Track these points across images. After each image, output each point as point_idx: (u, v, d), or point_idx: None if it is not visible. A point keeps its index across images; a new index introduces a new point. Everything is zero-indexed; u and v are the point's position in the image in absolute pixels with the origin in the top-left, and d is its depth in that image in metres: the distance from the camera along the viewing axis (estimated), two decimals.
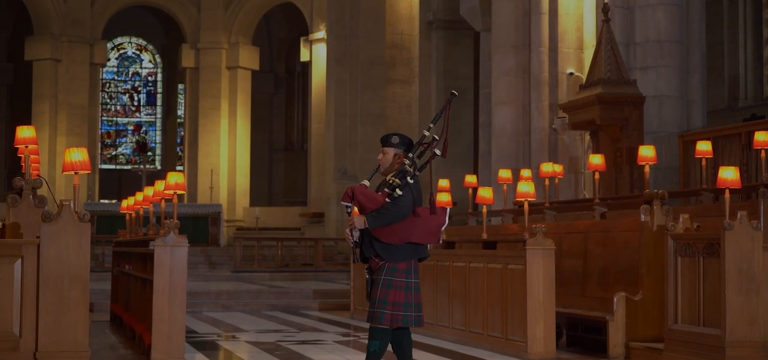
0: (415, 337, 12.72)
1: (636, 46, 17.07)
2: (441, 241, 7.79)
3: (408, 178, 7.40)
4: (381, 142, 7.69)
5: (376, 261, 7.51)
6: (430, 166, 7.57)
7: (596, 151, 16.41)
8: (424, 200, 7.58)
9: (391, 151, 7.59)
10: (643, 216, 10.96)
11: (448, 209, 7.79)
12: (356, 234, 7.47)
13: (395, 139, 7.61)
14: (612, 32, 16.65)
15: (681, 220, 10.19)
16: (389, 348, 7.63)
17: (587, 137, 18.10)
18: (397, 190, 7.37)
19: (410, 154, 7.50)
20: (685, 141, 16.13)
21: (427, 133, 7.52)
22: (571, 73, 18.77)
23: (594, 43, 17.72)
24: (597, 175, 14.11)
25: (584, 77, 17.70)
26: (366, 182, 7.63)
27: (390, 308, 7.42)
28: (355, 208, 7.47)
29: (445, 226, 7.59)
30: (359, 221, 7.43)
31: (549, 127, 18.84)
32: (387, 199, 7.40)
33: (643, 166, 13.68)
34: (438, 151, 7.44)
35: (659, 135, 16.50)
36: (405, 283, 7.48)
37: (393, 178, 7.45)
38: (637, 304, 10.77)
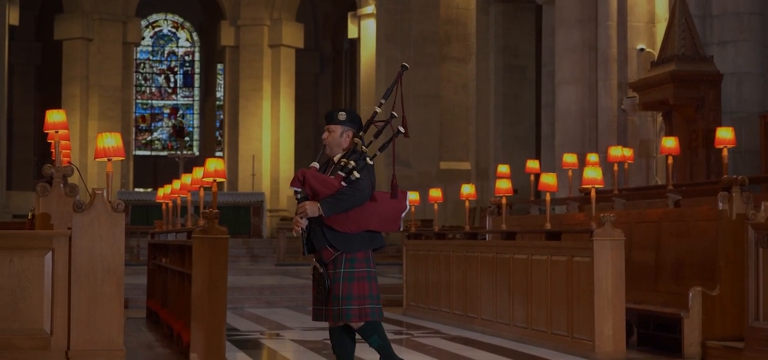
0: (473, 335, 12.73)
1: (713, 19, 16.91)
2: (401, 229, 7.61)
3: (367, 159, 7.21)
4: (325, 119, 7.44)
5: (329, 251, 7.27)
6: (394, 145, 7.33)
7: (669, 133, 16.28)
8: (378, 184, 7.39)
9: (338, 129, 7.36)
10: (721, 204, 10.86)
11: (408, 193, 7.52)
12: (305, 222, 7.24)
13: (342, 116, 7.37)
14: (686, 4, 16.51)
15: (763, 207, 10.08)
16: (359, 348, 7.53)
17: (659, 118, 17.98)
18: (355, 172, 7.16)
19: (361, 133, 7.32)
20: (766, 121, 15.96)
21: (378, 110, 7.33)
22: (642, 49, 18.64)
23: (666, 16, 17.58)
24: (670, 160, 14.00)
25: (656, 53, 17.57)
26: (315, 164, 7.41)
27: (357, 303, 7.25)
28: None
29: (405, 211, 7.40)
30: (313, 208, 7.18)
31: (618, 107, 18.73)
32: (343, 183, 7.18)
33: (720, 150, 13.55)
34: (402, 129, 7.24)
35: (738, 115, 16.35)
36: (366, 272, 7.29)
37: (346, 159, 7.25)
38: (715, 299, 10.69)
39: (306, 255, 7.50)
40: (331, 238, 7.24)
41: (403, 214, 7.41)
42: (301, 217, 7.23)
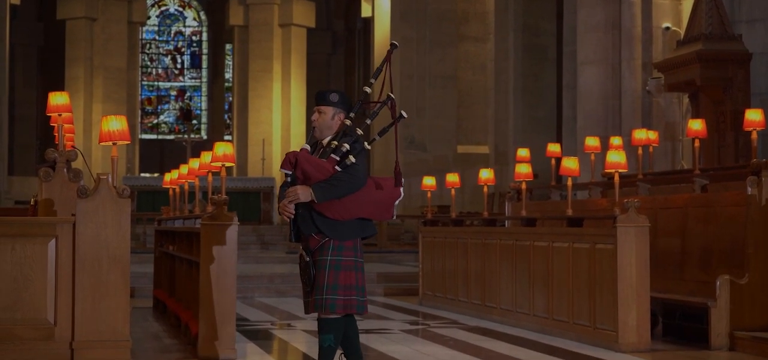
0: (491, 325, 12.74)
1: None
2: (395, 217, 7.50)
3: (365, 143, 7.12)
4: (316, 99, 7.30)
5: (315, 239, 7.11)
6: (396, 130, 7.20)
7: (696, 115, 16.25)
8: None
9: (329, 111, 7.20)
10: (750, 189, 10.84)
11: (403, 180, 7.35)
12: (293, 207, 7.07)
13: (334, 97, 7.24)
14: None
15: None
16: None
17: (686, 100, 17.94)
18: (351, 156, 7.01)
19: (351, 114, 7.22)
20: None
21: (368, 90, 7.26)
22: (668, 28, 18.59)
23: None
24: (697, 143, 13.98)
25: (682, 32, 17.52)
26: (307, 146, 7.26)
27: (342, 293, 7.06)
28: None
29: (399, 199, 7.26)
30: (305, 193, 7.00)
31: (642, 88, 18.69)
32: (337, 167, 7.03)
33: (749, 132, 13.51)
34: (405, 114, 7.14)
35: None
36: (354, 262, 7.12)
37: (337, 142, 7.09)
38: (743, 288, 10.67)
39: (294, 242, 7.31)
40: (321, 224, 7.08)
41: (397, 202, 7.28)
42: (289, 203, 7.06)
